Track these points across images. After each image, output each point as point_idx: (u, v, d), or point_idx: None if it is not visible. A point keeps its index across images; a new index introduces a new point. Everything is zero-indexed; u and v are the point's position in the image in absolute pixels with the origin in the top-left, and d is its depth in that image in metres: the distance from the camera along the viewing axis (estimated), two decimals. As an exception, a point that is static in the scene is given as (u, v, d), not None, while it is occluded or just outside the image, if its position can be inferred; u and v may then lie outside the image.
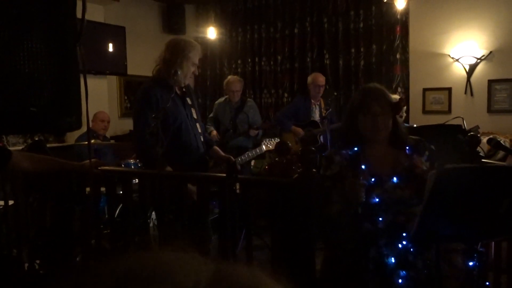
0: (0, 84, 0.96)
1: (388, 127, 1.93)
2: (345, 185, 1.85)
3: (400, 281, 1.85)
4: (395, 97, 3.89)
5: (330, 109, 4.93)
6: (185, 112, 2.86)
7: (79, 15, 1.11)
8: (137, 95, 2.92)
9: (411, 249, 1.87)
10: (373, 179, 1.89)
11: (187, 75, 2.83)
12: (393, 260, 1.85)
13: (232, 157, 3.07)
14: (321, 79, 5.12)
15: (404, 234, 1.86)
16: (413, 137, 2.03)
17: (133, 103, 3.00)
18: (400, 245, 1.86)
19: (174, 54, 2.80)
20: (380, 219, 1.85)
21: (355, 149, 1.95)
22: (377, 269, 1.86)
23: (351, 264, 1.91)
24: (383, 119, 1.90)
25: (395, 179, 1.88)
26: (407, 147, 1.97)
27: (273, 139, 3.93)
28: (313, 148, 2.24)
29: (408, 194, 1.88)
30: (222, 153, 3.12)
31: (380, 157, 1.94)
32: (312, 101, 5.13)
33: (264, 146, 3.78)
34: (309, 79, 5.19)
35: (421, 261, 1.89)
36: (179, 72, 2.72)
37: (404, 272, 1.86)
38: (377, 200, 1.85)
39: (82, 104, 1.11)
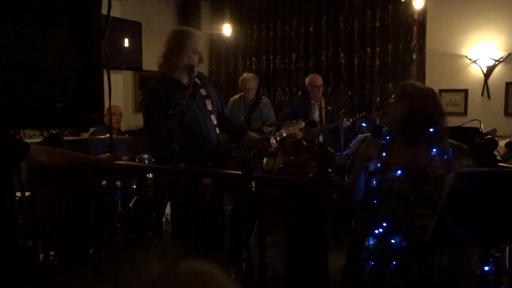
0: (27, 80, 0.98)
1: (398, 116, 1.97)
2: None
3: (390, 275, 1.90)
4: None
5: (330, 109, 4.98)
6: (195, 105, 2.78)
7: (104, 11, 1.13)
8: (144, 95, 2.90)
9: (400, 244, 1.89)
10: (379, 165, 1.97)
11: (189, 66, 2.71)
12: (370, 243, 1.92)
13: (270, 137, 3.02)
14: (318, 80, 5.13)
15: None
16: (453, 142, 1.97)
17: (141, 103, 2.99)
18: (393, 241, 1.90)
19: (173, 47, 2.72)
20: (375, 201, 1.92)
21: (387, 138, 2.04)
22: (370, 257, 1.92)
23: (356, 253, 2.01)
24: (391, 101, 2.01)
25: (399, 172, 1.92)
26: (434, 150, 1.94)
27: (295, 122, 3.75)
28: (329, 148, 2.24)
29: (406, 189, 1.89)
30: (257, 136, 3.07)
31: (400, 151, 1.98)
32: (312, 101, 5.14)
33: (284, 131, 3.66)
34: (307, 80, 5.20)
35: (417, 263, 1.89)
36: (195, 69, 2.72)
37: (394, 263, 1.89)
38: (374, 183, 1.93)
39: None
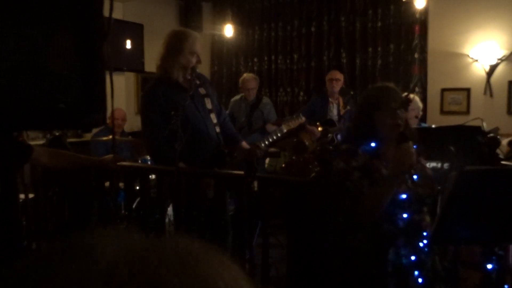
0: (30, 81, 0.98)
1: (404, 123, 1.89)
2: (395, 152, 1.77)
3: (417, 280, 1.84)
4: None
5: (349, 108, 4.93)
6: (193, 105, 2.75)
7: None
8: (141, 97, 2.90)
9: (425, 249, 1.86)
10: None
11: (187, 67, 2.72)
12: (412, 258, 1.82)
13: (258, 145, 2.96)
14: (334, 72, 5.18)
15: (424, 234, 1.85)
16: None
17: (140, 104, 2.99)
18: (421, 244, 1.84)
19: (170, 48, 2.73)
20: (405, 216, 1.82)
21: (372, 144, 1.89)
22: (394, 270, 1.83)
23: (369, 267, 1.86)
24: (401, 113, 1.87)
25: (415, 176, 1.84)
26: (415, 146, 1.92)
27: (295, 117, 3.63)
28: (331, 147, 2.24)
29: (427, 193, 1.88)
30: (247, 146, 3.00)
31: (390, 154, 1.88)
32: (330, 99, 5.13)
33: (284, 126, 3.54)
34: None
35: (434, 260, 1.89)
36: (197, 70, 2.74)
37: (417, 271, 1.84)
38: (404, 196, 1.81)
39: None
